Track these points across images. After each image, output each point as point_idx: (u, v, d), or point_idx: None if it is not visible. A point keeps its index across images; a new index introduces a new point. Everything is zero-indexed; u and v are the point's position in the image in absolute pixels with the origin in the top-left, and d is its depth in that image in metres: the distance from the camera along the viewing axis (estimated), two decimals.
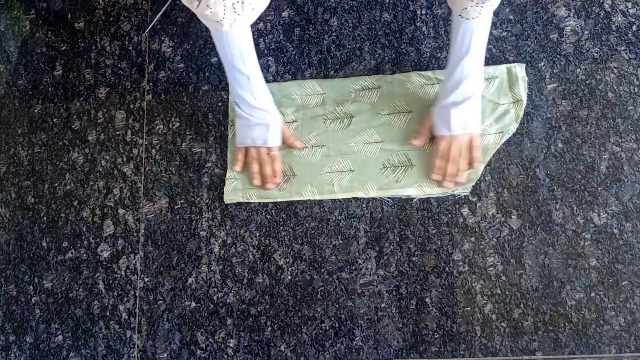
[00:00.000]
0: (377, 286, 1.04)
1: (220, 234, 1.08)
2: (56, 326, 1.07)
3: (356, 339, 1.02)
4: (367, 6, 1.17)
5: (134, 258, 1.09)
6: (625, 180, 1.05)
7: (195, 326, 1.05)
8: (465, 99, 0.98)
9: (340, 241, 1.06)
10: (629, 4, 1.13)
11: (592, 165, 1.06)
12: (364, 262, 1.05)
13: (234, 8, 0.84)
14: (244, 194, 1.09)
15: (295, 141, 1.09)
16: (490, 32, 1.13)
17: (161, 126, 1.15)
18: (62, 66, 1.20)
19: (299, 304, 1.04)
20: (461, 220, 1.06)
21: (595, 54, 1.11)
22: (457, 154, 1.01)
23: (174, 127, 1.14)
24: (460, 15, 0.88)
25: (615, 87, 1.09)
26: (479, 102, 1.01)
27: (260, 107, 1.01)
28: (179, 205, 1.10)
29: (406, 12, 1.16)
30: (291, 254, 1.06)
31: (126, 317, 1.06)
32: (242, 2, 0.84)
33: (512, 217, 1.05)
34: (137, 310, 1.06)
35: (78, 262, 1.10)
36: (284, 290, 1.05)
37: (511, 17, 1.15)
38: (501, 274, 1.03)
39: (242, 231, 1.08)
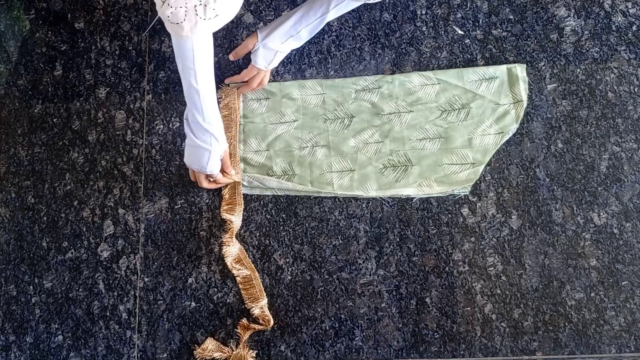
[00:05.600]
0: (377, 286, 1.04)
1: (220, 234, 1.08)
2: (56, 326, 1.07)
3: (356, 339, 1.02)
4: (367, 6, 1.17)
5: (134, 258, 1.09)
6: (625, 180, 1.05)
7: (195, 326, 1.05)
8: (288, 48, 1.05)
9: (340, 241, 1.06)
10: (629, 4, 1.14)
11: (592, 165, 1.06)
12: (364, 262, 1.05)
13: (196, 11, 0.82)
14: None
15: (230, 169, 1.05)
16: (490, 32, 1.14)
17: (161, 126, 1.15)
18: (62, 66, 1.20)
19: (299, 304, 1.04)
20: (461, 220, 1.06)
21: (595, 54, 1.12)
22: (254, 85, 1.10)
23: (174, 127, 1.14)
24: None
25: (615, 87, 1.09)
26: (284, 54, 1.07)
27: (207, 130, 0.94)
28: (179, 205, 1.10)
29: (406, 12, 1.16)
30: (291, 254, 1.06)
31: (126, 317, 1.06)
32: (205, 5, 0.82)
33: (512, 217, 1.05)
34: (137, 310, 1.06)
35: (78, 262, 1.10)
36: (284, 290, 1.05)
37: (511, 17, 1.15)
38: (501, 274, 1.03)
39: (242, 231, 1.08)
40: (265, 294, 1.04)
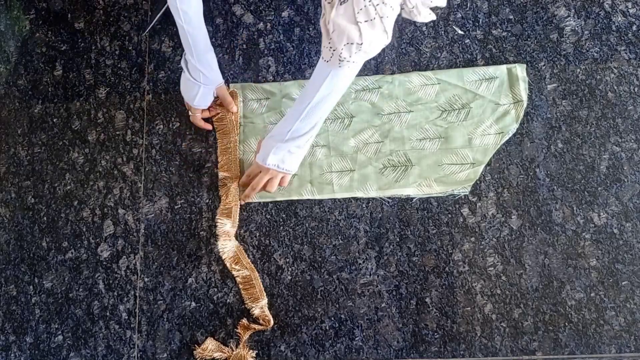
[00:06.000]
0: (377, 286, 1.04)
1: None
2: (56, 326, 1.07)
3: (356, 339, 1.02)
4: None
5: (134, 258, 1.09)
6: (625, 180, 1.05)
7: (195, 326, 1.05)
8: (294, 138, 0.97)
9: (340, 241, 1.06)
10: (629, 4, 1.13)
11: (592, 165, 1.06)
12: (364, 262, 1.05)
13: None
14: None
15: (232, 106, 1.11)
16: (490, 32, 1.14)
17: (161, 126, 1.15)
18: (62, 66, 1.20)
19: (299, 304, 1.04)
20: (461, 220, 1.06)
21: (595, 54, 1.12)
22: (260, 183, 1.03)
23: (174, 127, 1.14)
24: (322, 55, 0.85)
25: (615, 87, 1.09)
26: (304, 150, 1.00)
27: (196, 67, 1.02)
28: (179, 205, 1.10)
29: None
30: (291, 254, 1.06)
31: (126, 317, 1.06)
32: None
33: (512, 217, 1.05)
34: (137, 310, 1.06)
35: (78, 262, 1.10)
36: (284, 290, 1.05)
37: (511, 17, 1.15)
38: (501, 274, 1.03)
39: (242, 231, 1.08)
40: (265, 294, 1.04)
